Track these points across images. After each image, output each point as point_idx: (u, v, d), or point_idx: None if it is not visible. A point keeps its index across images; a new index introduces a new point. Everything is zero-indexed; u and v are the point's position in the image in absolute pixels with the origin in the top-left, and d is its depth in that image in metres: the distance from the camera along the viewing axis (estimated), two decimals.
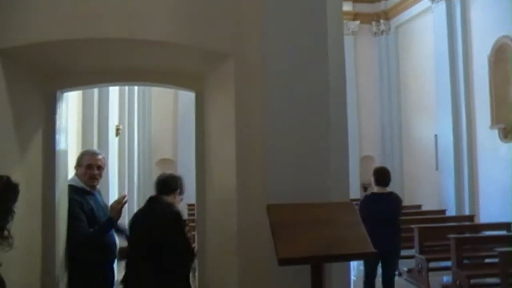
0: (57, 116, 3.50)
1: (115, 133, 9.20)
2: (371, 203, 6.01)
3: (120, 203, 3.89)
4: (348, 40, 14.28)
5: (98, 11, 2.99)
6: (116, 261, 4.20)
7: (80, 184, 3.81)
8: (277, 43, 2.99)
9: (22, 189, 3.00)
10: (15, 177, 2.92)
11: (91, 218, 3.73)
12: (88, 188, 3.85)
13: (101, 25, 2.99)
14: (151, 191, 15.08)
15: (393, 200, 6.21)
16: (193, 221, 7.59)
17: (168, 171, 4.99)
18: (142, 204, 14.96)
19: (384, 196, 6.11)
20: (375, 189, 6.21)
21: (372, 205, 5.92)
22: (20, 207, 2.89)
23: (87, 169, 3.84)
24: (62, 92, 3.61)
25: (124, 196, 4.05)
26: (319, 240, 2.61)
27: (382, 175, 6.19)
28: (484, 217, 10.78)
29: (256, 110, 3.06)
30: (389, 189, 6.31)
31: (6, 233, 1.94)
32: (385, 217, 5.84)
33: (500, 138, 10.49)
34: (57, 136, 3.49)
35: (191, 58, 3.38)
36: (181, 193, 4.06)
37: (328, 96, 3.06)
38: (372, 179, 6.23)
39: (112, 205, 3.92)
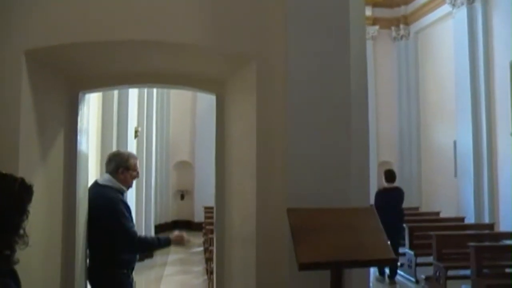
0: (79, 118, 3.54)
1: (134, 135, 9.29)
2: (383, 195, 8.88)
3: (187, 242, 4.13)
4: (367, 45, 14.23)
5: (122, 14, 3.02)
6: None
7: (116, 185, 3.89)
8: (300, 47, 2.99)
9: (43, 190, 3.05)
10: (37, 178, 2.97)
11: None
12: (125, 189, 3.98)
13: (124, 28, 3.02)
14: (169, 193, 15.25)
15: (397, 192, 9.02)
16: (210, 223, 7.61)
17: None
18: (160, 206, 15.03)
19: (391, 190, 9.00)
20: (386, 184, 9.12)
21: (383, 196, 8.79)
22: (41, 207, 2.94)
23: (134, 171, 4.01)
24: (84, 94, 3.64)
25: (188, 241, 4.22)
26: (339, 245, 2.59)
27: (389, 175, 9.19)
28: (504, 226, 10.63)
29: (277, 113, 3.05)
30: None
31: (22, 231, 1.99)
32: (391, 204, 8.50)
33: None
34: (78, 138, 3.52)
35: (214, 61, 3.39)
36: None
37: (350, 101, 3.04)
38: (383, 178, 9.26)
39: (180, 235, 4.10)
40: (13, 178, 2.03)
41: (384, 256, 2.69)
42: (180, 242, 4.08)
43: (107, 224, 3.69)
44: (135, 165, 4.01)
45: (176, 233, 4.15)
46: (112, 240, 3.70)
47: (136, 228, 3.94)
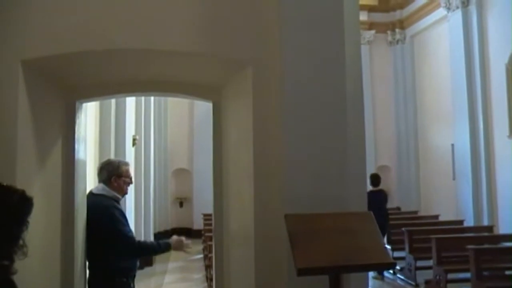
0: (77, 126, 3.54)
1: (131, 143, 9.28)
2: (369, 197, 9.18)
3: (186, 246, 4.12)
4: (363, 50, 14.24)
5: (118, 22, 3.04)
6: None
7: (110, 193, 3.88)
8: (295, 53, 3.00)
9: (41, 198, 3.05)
10: (35, 187, 2.97)
11: None
12: (120, 197, 3.97)
13: (120, 36, 3.04)
14: (167, 201, 15.19)
15: (381, 194, 9.97)
16: (209, 231, 7.60)
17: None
18: (159, 214, 14.96)
19: (376, 192, 9.77)
20: (371, 187, 9.73)
21: (369, 198, 9.07)
22: (39, 216, 2.93)
23: (126, 178, 3.99)
24: (82, 103, 3.66)
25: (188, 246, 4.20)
26: (337, 250, 2.59)
27: (375, 179, 10.03)
28: (503, 228, 10.63)
29: (273, 119, 3.06)
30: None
31: (21, 242, 2.01)
32: (376, 206, 8.38)
33: None
34: (76, 146, 3.53)
35: (210, 68, 3.41)
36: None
37: (346, 106, 3.05)
38: (369, 181, 9.49)
39: (180, 240, 4.08)
40: (13, 189, 2.06)
41: (382, 260, 2.69)
42: (180, 247, 4.07)
43: (105, 232, 3.69)
44: (127, 171, 4.01)
45: (175, 237, 4.14)
46: (110, 248, 3.70)
47: (134, 234, 3.95)
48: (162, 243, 4.02)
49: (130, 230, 3.88)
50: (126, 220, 3.89)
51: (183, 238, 4.14)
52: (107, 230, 3.69)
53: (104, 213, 3.73)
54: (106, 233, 3.69)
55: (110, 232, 3.70)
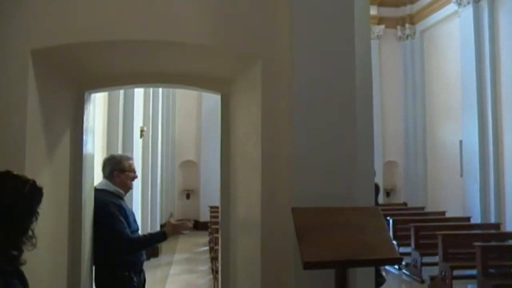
0: (85, 117, 3.55)
1: (139, 134, 9.30)
2: None
3: (183, 228, 3.97)
4: (372, 45, 14.17)
5: (127, 14, 3.03)
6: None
7: (112, 188, 3.87)
8: (305, 47, 2.99)
9: (49, 189, 3.06)
10: (43, 177, 2.98)
11: (125, 222, 3.78)
12: (122, 193, 3.93)
13: (129, 27, 3.03)
14: (174, 193, 15.22)
15: (375, 188, 9.34)
16: (216, 223, 7.63)
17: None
18: (166, 206, 15.02)
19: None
20: None
21: None
22: (47, 207, 2.94)
23: (130, 172, 3.96)
24: (91, 93, 3.66)
25: (187, 227, 4.06)
26: (344, 245, 2.59)
27: None
28: (510, 225, 10.60)
29: (282, 113, 3.05)
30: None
31: (30, 233, 2.01)
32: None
33: None
34: (84, 137, 3.53)
35: (219, 60, 3.40)
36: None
37: (355, 100, 3.04)
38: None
39: (174, 224, 3.98)
40: (24, 179, 2.06)
41: (389, 255, 2.69)
42: (176, 231, 3.95)
43: (102, 228, 3.68)
44: (129, 166, 3.97)
45: (168, 224, 4.00)
46: (106, 243, 3.68)
47: (139, 227, 3.90)
48: (155, 234, 3.95)
49: (126, 227, 3.73)
50: (125, 216, 3.80)
51: (171, 220, 4.04)
52: (104, 227, 3.67)
53: (102, 209, 3.71)
54: (103, 229, 3.67)
55: (106, 228, 3.67)
